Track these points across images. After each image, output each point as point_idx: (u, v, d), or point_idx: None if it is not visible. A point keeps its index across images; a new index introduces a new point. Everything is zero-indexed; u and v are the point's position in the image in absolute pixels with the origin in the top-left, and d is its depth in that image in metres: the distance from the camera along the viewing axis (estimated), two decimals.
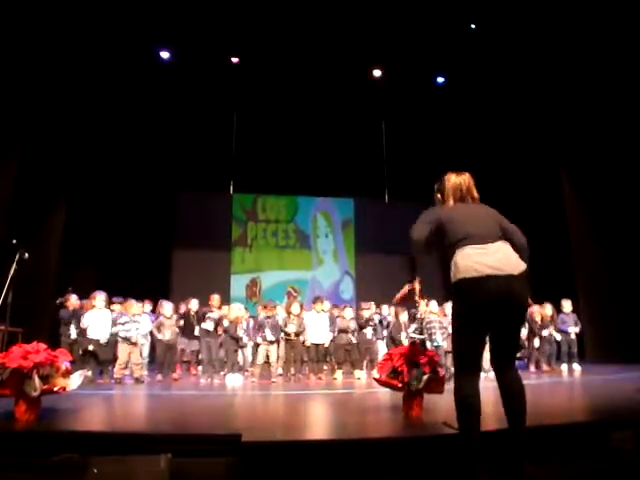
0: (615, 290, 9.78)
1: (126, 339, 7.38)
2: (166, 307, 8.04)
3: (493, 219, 2.66)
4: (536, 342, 8.58)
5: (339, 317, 8.59)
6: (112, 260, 11.25)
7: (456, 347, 2.58)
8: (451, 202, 2.76)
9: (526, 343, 8.66)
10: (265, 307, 8.33)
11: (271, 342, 7.86)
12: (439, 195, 2.86)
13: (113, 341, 7.40)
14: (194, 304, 8.45)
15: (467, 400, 2.42)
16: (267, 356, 7.92)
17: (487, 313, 2.41)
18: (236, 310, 8.15)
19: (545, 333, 8.62)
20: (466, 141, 11.57)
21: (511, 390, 2.46)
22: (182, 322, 8.30)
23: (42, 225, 9.29)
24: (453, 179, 2.80)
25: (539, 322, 8.68)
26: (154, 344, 8.54)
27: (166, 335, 7.79)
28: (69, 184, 10.28)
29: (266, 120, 11.77)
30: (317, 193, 13.62)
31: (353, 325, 8.52)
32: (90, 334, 7.23)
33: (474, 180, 2.84)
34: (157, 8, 8.43)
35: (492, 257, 2.44)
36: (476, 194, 2.79)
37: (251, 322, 8.59)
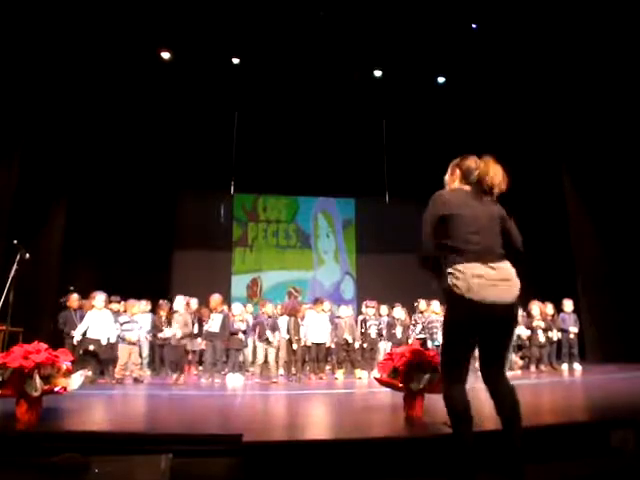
0: (616, 290, 9.77)
1: (125, 339, 7.39)
2: (178, 301, 7.91)
3: (497, 223, 2.55)
4: (541, 337, 8.60)
5: (339, 317, 8.63)
6: (113, 260, 11.25)
7: (445, 355, 2.54)
8: (455, 184, 2.65)
9: (527, 342, 8.68)
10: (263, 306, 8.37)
11: (270, 342, 7.88)
12: (448, 176, 2.74)
13: (114, 341, 7.41)
14: (194, 303, 8.44)
15: (457, 406, 2.41)
16: (266, 355, 7.95)
17: (481, 332, 2.43)
18: (236, 309, 8.17)
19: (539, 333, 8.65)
20: (467, 141, 11.55)
21: (505, 401, 2.43)
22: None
23: (43, 225, 9.29)
24: (468, 162, 2.65)
25: (536, 317, 8.70)
26: (153, 344, 8.56)
27: (177, 334, 7.70)
28: (70, 184, 10.29)
29: (267, 120, 11.75)
30: (318, 193, 13.62)
31: (351, 323, 8.56)
32: (90, 334, 7.23)
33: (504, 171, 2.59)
34: (158, 8, 8.42)
35: (496, 284, 2.39)
36: (497, 187, 2.55)
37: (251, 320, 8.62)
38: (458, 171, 2.68)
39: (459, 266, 2.41)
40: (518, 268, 2.52)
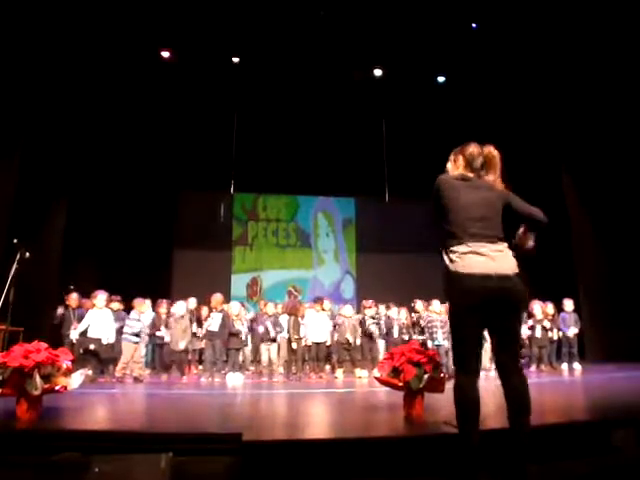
0: (616, 290, 9.77)
1: (135, 335, 7.40)
2: (178, 306, 7.96)
3: (499, 208, 2.56)
4: (537, 333, 8.61)
5: (339, 316, 8.64)
6: (113, 259, 11.25)
7: (454, 345, 2.56)
8: (458, 171, 2.65)
9: (527, 342, 8.68)
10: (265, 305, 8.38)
11: (272, 340, 7.89)
12: (450, 164, 2.74)
13: (113, 341, 7.41)
14: (192, 303, 8.43)
15: (465, 399, 2.40)
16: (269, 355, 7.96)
17: (483, 311, 2.40)
18: (234, 308, 8.17)
19: (538, 333, 8.66)
20: (467, 140, 11.53)
21: (517, 399, 2.40)
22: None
23: (43, 224, 9.29)
24: (470, 149, 2.67)
25: (538, 317, 8.70)
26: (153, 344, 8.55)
27: (180, 345, 7.75)
28: (70, 183, 10.28)
29: (267, 119, 11.75)
30: (318, 192, 13.61)
31: (354, 323, 8.56)
32: (91, 333, 7.23)
33: (500, 156, 2.67)
34: (159, 8, 8.42)
35: (495, 259, 2.41)
36: (493, 172, 2.62)
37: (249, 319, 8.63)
38: (462, 158, 2.67)
39: (454, 247, 2.46)
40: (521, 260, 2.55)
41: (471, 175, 2.63)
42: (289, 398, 5.70)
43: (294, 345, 7.99)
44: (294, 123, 11.78)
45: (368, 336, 8.49)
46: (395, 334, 8.58)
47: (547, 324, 8.71)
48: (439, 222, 2.60)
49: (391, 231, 12.82)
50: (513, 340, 2.52)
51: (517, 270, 2.46)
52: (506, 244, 2.52)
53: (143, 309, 7.97)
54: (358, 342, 8.42)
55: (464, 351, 2.48)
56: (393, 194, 12.81)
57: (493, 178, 2.63)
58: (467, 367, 2.45)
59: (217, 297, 8.12)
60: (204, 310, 8.59)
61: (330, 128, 11.86)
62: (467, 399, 2.40)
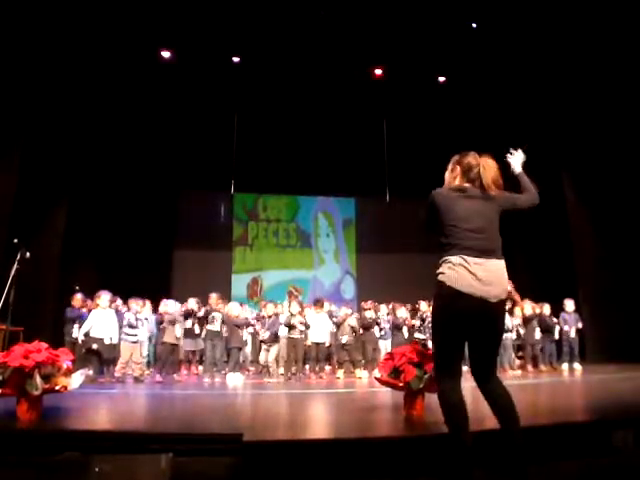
0: (616, 290, 9.76)
1: (132, 336, 7.40)
2: (170, 305, 7.99)
3: (495, 219, 2.54)
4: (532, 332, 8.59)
5: (338, 317, 8.65)
6: (113, 259, 11.26)
7: (435, 350, 2.54)
8: (455, 181, 2.63)
9: (526, 342, 8.69)
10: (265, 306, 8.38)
11: (273, 341, 7.91)
12: (448, 173, 2.70)
13: (116, 341, 7.40)
14: (192, 303, 8.43)
15: (451, 403, 2.40)
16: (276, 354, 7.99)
17: (464, 326, 2.40)
18: (234, 309, 8.17)
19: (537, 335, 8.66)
20: (467, 140, 11.51)
21: (499, 404, 2.41)
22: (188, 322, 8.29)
23: (43, 224, 9.29)
24: (467, 159, 2.63)
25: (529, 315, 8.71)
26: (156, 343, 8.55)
27: (177, 333, 7.76)
28: (71, 183, 10.28)
29: (267, 120, 11.75)
30: (318, 192, 13.62)
31: (354, 324, 8.55)
32: (94, 333, 7.22)
33: (498, 168, 2.61)
34: (159, 8, 8.41)
35: (485, 281, 2.37)
36: (489, 182, 2.54)
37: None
38: (458, 168, 2.65)
39: (450, 257, 2.43)
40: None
41: (467, 185, 2.60)
42: (289, 398, 5.71)
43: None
44: (294, 123, 11.78)
45: (367, 337, 8.49)
46: (399, 334, 8.58)
47: (533, 321, 8.72)
48: (431, 233, 2.59)
49: (391, 231, 12.82)
50: (492, 355, 2.53)
51: (506, 293, 2.45)
52: (502, 260, 2.48)
53: (139, 310, 7.97)
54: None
55: (446, 357, 2.48)
56: (393, 194, 12.80)
57: (489, 188, 2.56)
58: (450, 372, 2.45)
59: (214, 297, 8.16)
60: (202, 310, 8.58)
61: (330, 128, 11.86)
62: (453, 403, 2.40)
